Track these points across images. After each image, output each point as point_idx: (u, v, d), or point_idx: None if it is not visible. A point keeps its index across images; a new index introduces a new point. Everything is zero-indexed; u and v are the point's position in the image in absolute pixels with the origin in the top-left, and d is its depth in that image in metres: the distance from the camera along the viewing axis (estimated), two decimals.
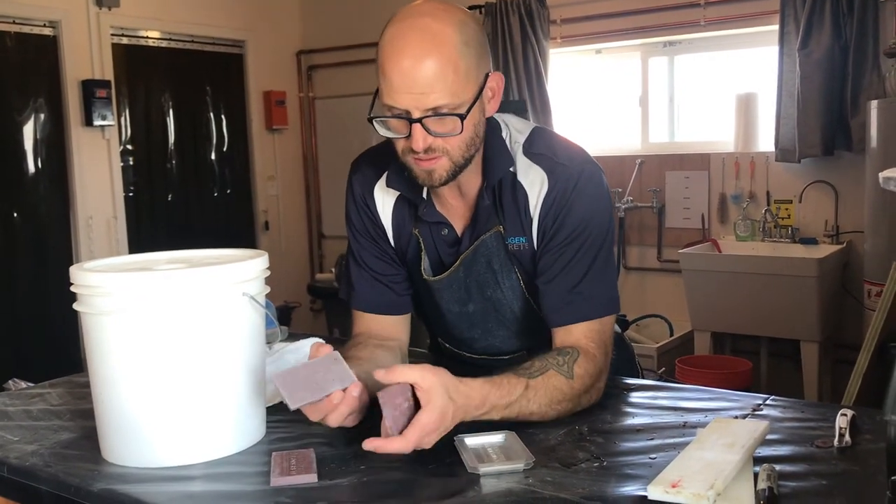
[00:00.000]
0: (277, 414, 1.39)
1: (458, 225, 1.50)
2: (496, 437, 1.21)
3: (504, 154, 1.44)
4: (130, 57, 4.93)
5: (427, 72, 1.26)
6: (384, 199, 1.54)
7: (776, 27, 4.08)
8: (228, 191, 5.56)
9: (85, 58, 4.62)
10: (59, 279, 4.69)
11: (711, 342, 4.13)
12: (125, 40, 4.90)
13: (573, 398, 1.32)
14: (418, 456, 1.17)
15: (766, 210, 4.25)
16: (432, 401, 1.13)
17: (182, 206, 5.27)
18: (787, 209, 4.26)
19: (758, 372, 4.16)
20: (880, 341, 1.74)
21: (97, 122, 4.58)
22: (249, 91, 5.60)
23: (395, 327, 1.58)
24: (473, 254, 1.48)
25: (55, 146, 4.57)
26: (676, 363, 3.93)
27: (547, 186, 1.41)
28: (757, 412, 1.32)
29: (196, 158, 5.36)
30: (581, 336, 1.38)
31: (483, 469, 1.10)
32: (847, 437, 1.17)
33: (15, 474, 1.21)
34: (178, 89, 5.22)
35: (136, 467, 1.19)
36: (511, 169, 1.44)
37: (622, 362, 1.67)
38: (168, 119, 5.20)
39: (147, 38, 5.03)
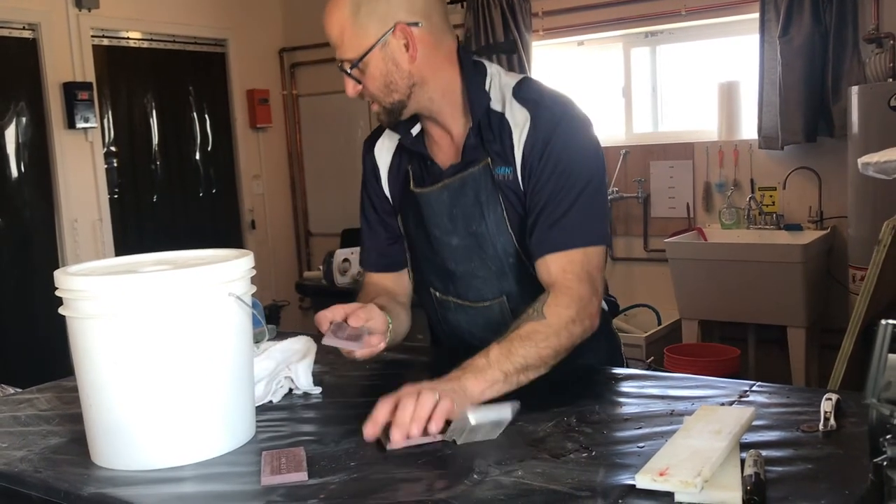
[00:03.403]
0: (267, 413, 1.39)
1: (445, 161, 1.62)
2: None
3: (481, 94, 1.56)
4: (112, 58, 4.91)
5: (332, 30, 1.49)
6: (382, 151, 1.73)
7: (756, 15, 4.10)
8: (214, 191, 5.54)
9: (66, 60, 4.59)
10: (44, 283, 4.63)
11: (699, 330, 4.15)
12: (106, 41, 4.87)
13: (556, 334, 1.38)
14: (410, 452, 1.18)
15: (750, 197, 4.27)
16: None
17: (168, 207, 5.25)
18: (771, 196, 4.28)
19: (746, 358, 4.19)
20: (864, 325, 1.76)
21: (80, 125, 4.56)
22: (232, 90, 5.58)
23: (397, 282, 1.75)
24: (461, 183, 1.57)
25: (38, 150, 4.55)
26: (665, 352, 3.95)
27: (530, 124, 1.51)
28: (743, 399, 1.33)
29: (180, 159, 5.34)
30: (559, 270, 1.46)
31: (472, 414, 1.14)
32: (832, 421, 1.18)
33: (4, 480, 1.20)
34: (160, 90, 5.20)
35: (126, 470, 1.19)
36: (498, 108, 1.55)
37: (609, 353, 1.69)
38: (151, 120, 5.18)
39: (128, 38, 5.01)
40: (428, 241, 1.65)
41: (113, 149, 4.96)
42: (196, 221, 5.38)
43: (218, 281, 1.21)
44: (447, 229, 1.61)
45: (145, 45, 5.10)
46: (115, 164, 4.97)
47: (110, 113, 4.94)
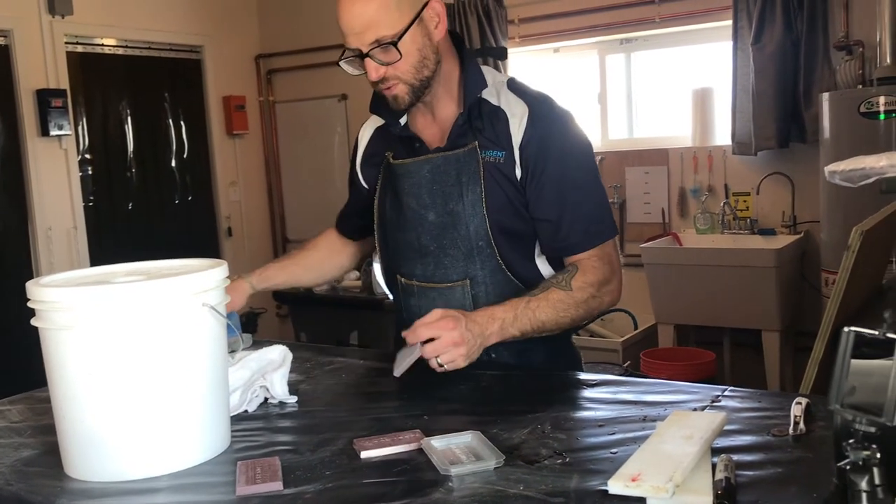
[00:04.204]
0: (242, 423, 1.39)
1: (431, 143, 1.67)
2: (463, 438, 1.22)
3: (478, 79, 1.64)
4: (86, 65, 4.87)
5: (360, 11, 1.49)
6: (364, 135, 1.83)
7: (729, 22, 4.14)
8: (190, 198, 5.51)
9: (39, 67, 4.56)
10: (17, 293, 4.59)
11: (675, 334, 4.18)
12: (80, 48, 4.83)
13: (578, 305, 1.56)
14: (386, 460, 1.18)
15: (724, 203, 4.31)
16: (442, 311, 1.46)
17: (143, 215, 5.22)
18: (745, 201, 4.33)
19: (721, 362, 4.23)
20: (834, 329, 1.78)
21: (53, 132, 4.52)
22: (208, 96, 5.55)
23: (346, 242, 1.99)
24: (444, 160, 1.63)
25: (11, 157, 4.50)
26: (641, 356, 3.98)
27: (528, 116, 1.60)
28: (716, 403, 1.35)
29: (156, 166, 5.31)
30: (584, 257, 1.61)
31: (455, 470, 1.11)
32: (801, 425, 1.20)
33: None
34: (135, 96, 5.17)
35: (100, 482, 1.19)
36: (493, 101, 1.63)
37: (570, 366, 1.75)
38: (126, 127, 5.14)
39: (102, 45, 4.97)
40: (403, 217, 1.69)
41: (88, 156, 4.92)
42: (172, 229, 5.35)
43: (191, 291, 1.21)
44: (425, 203, 1.66)
45: (120, 51, 5.07)
46: (90, 172, 4.93)
47: (85, 120, 4.90)
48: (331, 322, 4.73)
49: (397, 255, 1.74)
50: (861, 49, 3.78)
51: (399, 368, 1.48)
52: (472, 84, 1.63)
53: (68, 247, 4.70)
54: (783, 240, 4.07)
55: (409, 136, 1.69)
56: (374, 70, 1.53)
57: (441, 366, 1.44)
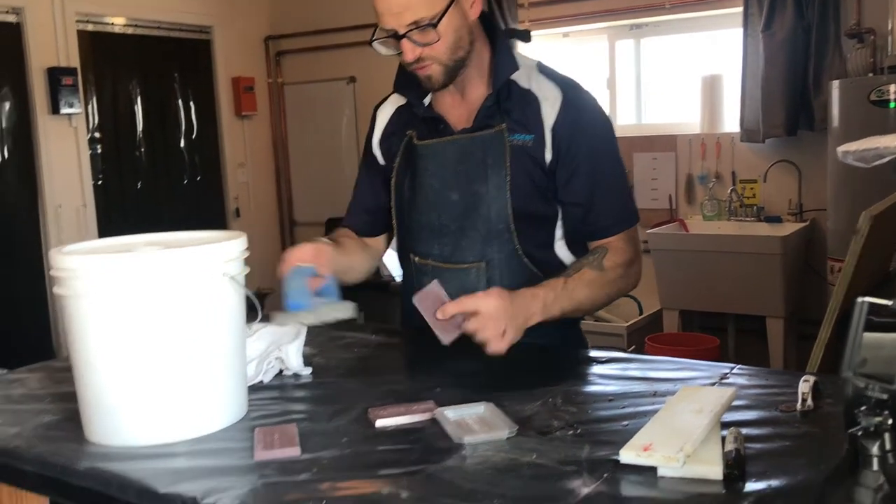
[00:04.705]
0: (258, 393, 1.41)
1: (457, 124, 1.67)
2: (476, 409, 1.24)
3: (509, 61, 1.64)
4: (96, 44, 4.88)
5: None
6: (382, 114, 1.80)
7: (740, 9, 4.14)
8: (198, 178, 5.53)
9: (50, 45, 4.57)
10: (27, 268, 4.66)
11: (680, 320, 4.21)
12: (90, 27, 4.84)
13: (609, 284, 1.59)
14: (400, 429, 1.21)
15: (731, 190, 4.32)
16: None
17: (152, 194, 5.24)
18: (752, 188, 4.34)
19: (725, 348, 4.25)
20: (842, 312, 1.80)
21: (64, 110, 4.54)
22: (218, 77, 5.57)
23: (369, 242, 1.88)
24: (470, 142, 1.63)
25: (21, 135, 4.52)
26: (646, 341, 4.00)
27: (561, 100, 1.61)
28: (724, 381, 1.37)
29: (165, 146, 5.33)
30: (613, 239, 1.65)
31: (468, 439, 1.14)
32: (809, 402, 1.22)
33: (0, 456, 1.22)
34: (145, 76, 5.18)
35: (119, 446, 1.21)
36: (524, 84, 1.63)
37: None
38: (136, 106, 5.16)
39: (113, 24, 4.98)
40: (423, 197, 1.69)
41: (97, 135, 4.94)
42: (180, 209, 5.37)
43: (212, 261, 1.23)
44: (449, 184, 1.66)
45: (130, 31, 5.08)
46: (99, 151, 4.95)
47: (95, 99, 4.92)
48: None
49: (413, 235, 1.75)
50: (872, 37, 3.78)
51: (444, 334, 1.44)
52: (503, 66, 1.63)
53: (77, 224, 4.73)
54: (789, 227, 4.09)
55: (432, 117, 1.69)
56: (411, 51, 1.53)
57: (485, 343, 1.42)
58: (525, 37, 1.73)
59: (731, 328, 4.30)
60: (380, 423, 1.23)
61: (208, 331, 1.24)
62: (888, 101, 3.48)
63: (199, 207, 5.51)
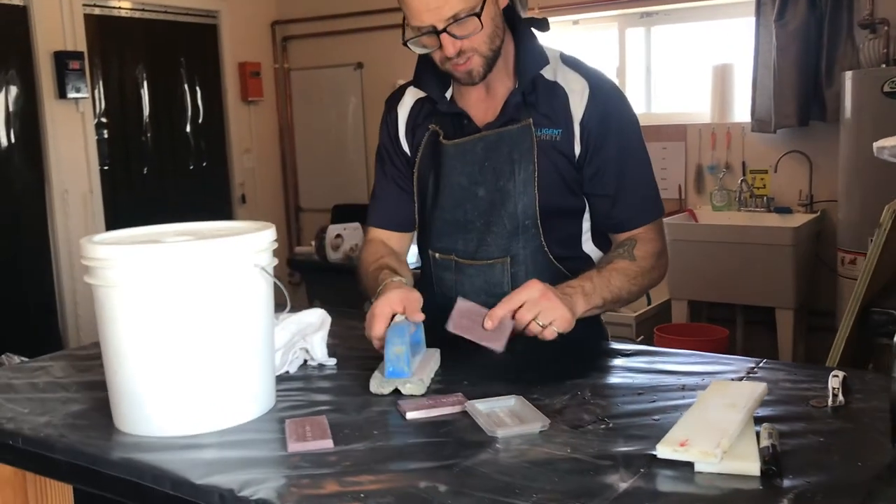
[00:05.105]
0: (284, 383, 1.41)
1: (481, 119, 1.65)
2: (507, 402, 1.24)
3: (539, 54, 1.62)
4: (103, 28, 4.86)
5: None
6: (403, 108, 1.76)
7: None
8: (204, 164, 5.51)
9: (57, 29, 4.54)
10: (34, 254, 4.66)
11: (688, 310, 4.21)
12: (97, 10, 4.81)
13: (642, 274, 1.59)
14: (431, 421, 1.21)
15: (741, 180, 4.31)
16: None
17: (158, 180, 5.23)
18: (762, 179, 4.33)
19: (734, 339, 4.25)
20: (863, 306, 1.80)
21: (71, 95, 4.52)
22: (224, 62, 5.54)
23: (400, 242, 1.81)
24: (497, 137, 1.62)
25: (28, 119, 4.50)
26: (655, 331, 4.00)
27: (588, 91, 1.60)
28: (752, 375, 1.37)
29: (171, 131, 5.31)
30: (640, 231, 1.64)
31: (501, 432, 1.14)
32: (840, 397, 1.22)
33: (30, 445, 1.22)
34: (151, 61, 5.16)
35: (150, 436, 1.21)
36: (549, 76, 1.61)
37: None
38: (142, 91, 5.13)
39: (119, 8, 4.95)
40: (449, 194, 1.67)
41: (103, 120, 4.92)
42: (187, 194, 5.35)
43: (244, 252, 1.23)
44: (476, 180, 1.64)
45: (137, 15, 5.05)
46: (106, 136, 4.93)
47: (101, 83, 4.89)
48: (344, 290, 4.74)
49: (434, 231, 1.73)
50: (886, 28, 3.76)
51: (497, 342, 1.38)
52: (531, 59, 1.61)
53: (84, 210, 4.72)
54: (800, 218, 4.08)
55: (456, 113, 1.67)
56: (452, 45, 1.50)
57: (542, 327, 1.37)
58: (543, 25, 1.68)
59: (740, 319, 4.30)
60: (410, 415, 1.23)
61: (239, 322, 1.24)
62: None
63: (205, 193, 5.50)
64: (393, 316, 1.42)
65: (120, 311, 1.20)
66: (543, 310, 1.38)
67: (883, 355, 2.01)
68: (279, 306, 1.37)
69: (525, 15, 1.69)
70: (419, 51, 1.56)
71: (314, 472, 1.06)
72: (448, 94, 1.69)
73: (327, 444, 1.14)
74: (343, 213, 5.18)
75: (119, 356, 1.22)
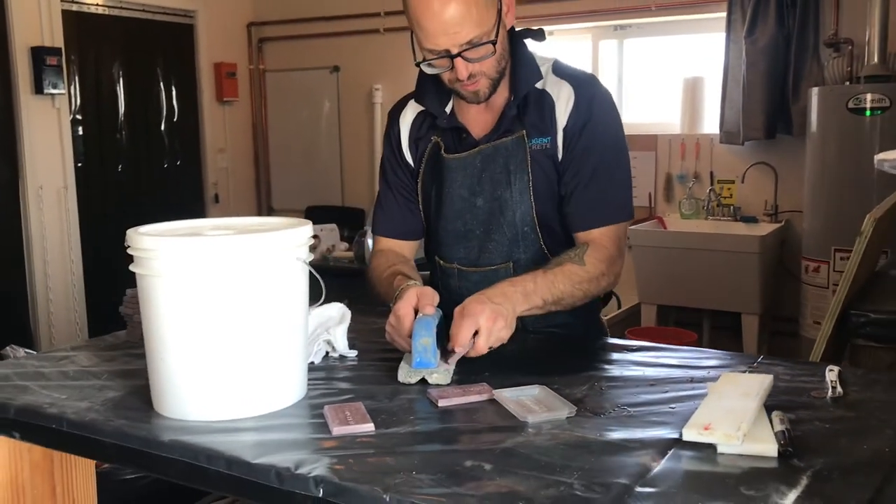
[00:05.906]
0: (310, 373, 1.46)
1: (479, 132, 1.71)
2: (532, 391, 1.32)
3: (533, 68, 1.67)
4: (80, 25, 4.84)
5: (454, 12, 1.48)
6: (405, 120, 1.80)
7: (724, 14, 4.28)
8: (178, 162, 5.51)
9: (34, 24, 4.52)
10: (7, 249, 4.60)
11: (657, 314, 4.34)
12: (75, 7, 4.79)
13: (589, 280, 1.58)
14: (463, 408, 1.28)
15: (710, 189, 4.46)
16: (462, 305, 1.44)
17: (132, 178, 5.21)
18: (729, 189, 4.48)
19: (701, 343, 4.39)
20: (843, 309, 1.92)
21: (47, 90, 4.50)
22: (200, 62, 5.55)
23: (410, 250, 1.86)
24: (493, 150, 1.67)
25: (4, 114, 4.47)
26: (627, 334, 4.12)
27: (573, 98, 1.64)
28: (752, 369, 1.47)
29: (146, 129, 5.30)
30: (598, 234, 1.65)
31: (532, 418, 1.21)
32: (839, 388, 1.32)
33: (76, 429, 1.26)
34: (128, 59, 5.15)
35: (191, 420, 1.25)
36: (538, 85, 1.66)
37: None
38: (118, 89, 5.12)
39: (97, 5, 4.94)
40: (450, 205, 1.74)
41: (79, 117, 4.90)
42: (160, 193, 5.35)
43: (286, 246, 1.29)
44: (475, 190, 1.71)
45: (114, 12, 5.04)
46: (81, 133, 4.91)
47: (77, 80, 4.87)
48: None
49: (438, 240, 1.80)
50: (850, 47, 3.94)
51: (444, 375, 1.40)
52: (526, 73, 1.66)
53: (59, 206, 4.69)
54: (765, 227, 4.24)
55: (455, 127, 1.72)
56: (465, 69, 1.54)
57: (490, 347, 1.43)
58: (539, 36, 1.72)
59: (707, 324, 4.45)
60: (442, 402, 1.30)
61: (278, 313, 1.30)
62: (865, 108, 3.64)
63: (179, 192, 5.50)
64: (416, 313, 1.49)
65: (164, 299, 1.25)
66: (495, 334, 1.42)
67: (857, 354, 2.14)
68: (312, 299, 1.43)
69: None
70: (431, 71, 1.60)
71: (362, 451, 1.12)
72: (448, 108, 1.74)
73: (369, 427, 1.20)
74: (318, 215, 5.22)
75: (162, 343, 1.27)
